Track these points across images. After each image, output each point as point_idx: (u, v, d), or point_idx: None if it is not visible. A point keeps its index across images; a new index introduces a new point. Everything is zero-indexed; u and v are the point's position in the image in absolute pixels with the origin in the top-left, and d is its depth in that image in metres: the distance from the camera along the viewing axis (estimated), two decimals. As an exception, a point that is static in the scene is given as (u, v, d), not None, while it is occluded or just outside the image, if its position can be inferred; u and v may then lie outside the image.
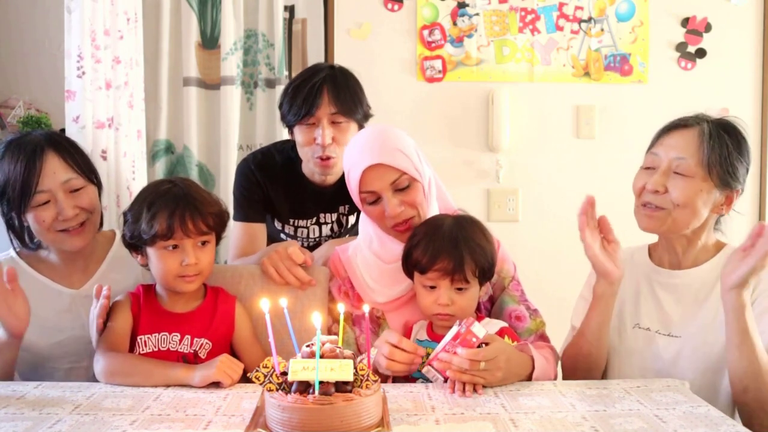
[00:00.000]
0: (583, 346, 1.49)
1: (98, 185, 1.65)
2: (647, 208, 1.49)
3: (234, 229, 1.97)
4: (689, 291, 1.50)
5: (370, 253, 1.60)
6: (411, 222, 1.52)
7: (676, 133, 1.49)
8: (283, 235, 2.02)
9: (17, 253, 1.65)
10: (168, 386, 1.36)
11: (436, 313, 1.45)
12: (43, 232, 1.56)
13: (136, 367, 1.40)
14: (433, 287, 1.45)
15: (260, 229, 1.96)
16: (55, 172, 1.53)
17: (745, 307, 1.32)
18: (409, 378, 1.42)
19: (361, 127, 1.82)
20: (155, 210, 1.44)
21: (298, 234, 2.00)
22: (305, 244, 2.01)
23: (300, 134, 1.81)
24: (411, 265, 1.47)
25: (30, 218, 1.55)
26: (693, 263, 1.52)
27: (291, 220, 1.97)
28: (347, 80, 1.82)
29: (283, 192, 1.93)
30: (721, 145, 1.44)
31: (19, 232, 1.61)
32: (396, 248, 1.54)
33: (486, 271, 1.46)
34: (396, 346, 1.35)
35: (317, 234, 2.00)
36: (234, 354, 1.52)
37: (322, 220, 1.97)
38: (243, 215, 1.95)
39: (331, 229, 2.00)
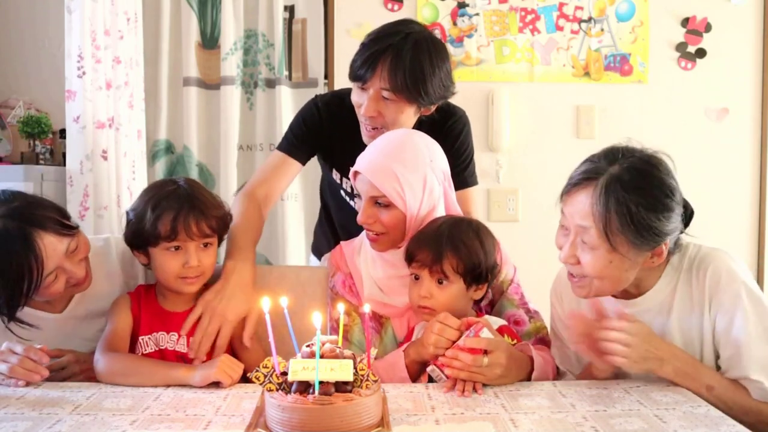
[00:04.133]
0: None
1: (78, 227, 1.49)
2: (571, 276, 1.38)
3: (271, 155, 1.91)
4: (649, 316, 1.37)
5: (374, 264, 1.58)
6: (380, 237, 1.51)
7: (577, 192, 1.31)
8: (342, 192, 1.92)
9: None
10: (168, 386, 1.36)
11: (418, 306, 1.46)
12: (53, 295, 1.46)
13: (137, 367, 1.40)
14: (417, 279, 1.46)
15: (293, 168, 1.86)
16: (54, 249, 1.39)
17: (676, 375, 1.29)
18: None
19: (420, 109, 1.68)
20: (160, 211, 1.44)
21: (356, 192, 1.89)
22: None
23: (353, 93, 1.72)
24: (405, 258, 1.49)
25: (39, 294, 1.43)
26: (646, 287, 1.38)
27: (350, 170, 1.85)
28: (416, 56, 1.60)
29: (344, 135, 1.81)
30: (620, 211, 1.23)
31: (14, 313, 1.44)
32: (395, 263, 1.54)
33: (471, 270, 1.44)
34: (443, 323, 1.35)
35: None
36: (233, 353, 1.52)
37: None
38: (286, 146, 1.86)
39: None
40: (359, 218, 1.50)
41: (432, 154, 1.53)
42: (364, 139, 1.74)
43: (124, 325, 1.48)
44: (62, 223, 1.42)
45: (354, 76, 1.68)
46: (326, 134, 1.85)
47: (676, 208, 1.28)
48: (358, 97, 1.70)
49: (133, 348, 1.49)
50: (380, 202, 1.48)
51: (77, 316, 1.55)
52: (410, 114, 1.68)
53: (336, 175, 1.91)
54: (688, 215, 1.35)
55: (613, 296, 1.41)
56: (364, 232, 1.63)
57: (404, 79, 1.60)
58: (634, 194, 1.24)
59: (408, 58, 1.60)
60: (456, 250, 1.43)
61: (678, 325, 1.36)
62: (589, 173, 1.30)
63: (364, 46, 1.66)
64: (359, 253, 1.62)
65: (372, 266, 1.58)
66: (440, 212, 1.56)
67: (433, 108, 1.72)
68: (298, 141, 1.86)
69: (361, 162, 1.51)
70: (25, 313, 1.47)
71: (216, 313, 1.51)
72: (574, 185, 1.32)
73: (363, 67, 1.63)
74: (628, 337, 1.28)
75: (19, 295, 1.37)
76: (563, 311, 1.50)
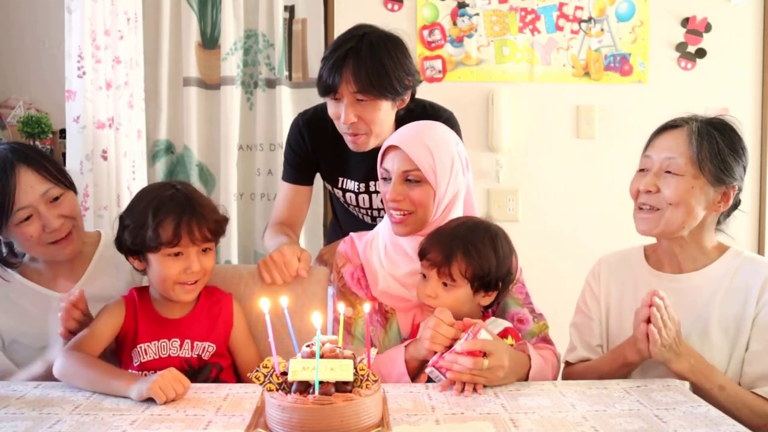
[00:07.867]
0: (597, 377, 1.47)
1: (75, 191, 1.60)
2: (642, 210, 1.49)
3: (279, 187, 2.00)
4: (691, 295, 1.47)
5: (386, 257, 1.58)
6: (407, 217, 1.51)
7: (666, 134, 1.50)
8: (340, 201, 1.99)
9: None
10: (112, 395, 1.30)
11: (424, 304, 1.47)
12: (32, 246, 1.53)
13: (83, 371, 1.33)
14: (425, 277, 1.46)
15: (303, 194, 1.96)
16: (32, 186, 1.48)
17: (691, 371, 1.34)
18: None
19: (395, 102, 1.74)
20: (161, 216, 1.42)
21: (348, 200, 1.94)
22: (360, 214, 1.96)
23: (329, 107, 1.76)
24: (418, 253, 1.48)
25: (15, 236, 1.51)
26: (694, 267, 1.50)
27: (339, 180, 1.92)
28: (375, 53, 1.68)
29: (328, 149, 1.88)
30: (710, 142, 1.44)
31: (1, 254, 1.56)
32: (410, 256, 1.54)
33: (480, 277, 1.43)
34: (438, 317, 1.35)
35: (368, 204, 1.92)
36: (229, 352, 1.54)
37: (372, 189, 1.90)
38: (287, 175, 1.96)
39: (382, 201, 1.91)
40: (388, 196, 1.51)
41: (457, 139, 1.58)
42: (351, 147, 1.78)
43: (105, 329, 1.44)
44: (51, 172, 1.51)
45: (324, 89, 1.72)
46: (312, 154, 1.90)
47: (744, 161, 1.48)
48: (334, 109, 1.74)
49: (129, 356, 1.47)
50: (411, 179, 1.49)
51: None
52: (387, 109, 1.73)
53: (328, 186, 1.97)
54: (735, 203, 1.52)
55: (664, 271, 1.53)
56: (378, 226, 1.63)
57: (368, 77, 1.66)
58: (719, 134, 1.46)
59: (368, 57, 1.67)
60: (467, 254, 1.42)
61: (719, 309, 1.44)
62: (675, 121, 1.50)
63: (326, 58, 1.72)
64: (371, 246, 1.62)
65: (387, 261, 1.57)
66: (460, 204, 1.57)
67: (407, 98, 1.77)
68: (294, 168, 1.94)
69: (394, 138, 1.53)
70: (32, 289, 1.57)
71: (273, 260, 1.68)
72: (661, 130, 1.51)
73: (330, 77, 1.69)
74: (667, 319, 1.33)
75: None
76: (598, 288, 1.60)
